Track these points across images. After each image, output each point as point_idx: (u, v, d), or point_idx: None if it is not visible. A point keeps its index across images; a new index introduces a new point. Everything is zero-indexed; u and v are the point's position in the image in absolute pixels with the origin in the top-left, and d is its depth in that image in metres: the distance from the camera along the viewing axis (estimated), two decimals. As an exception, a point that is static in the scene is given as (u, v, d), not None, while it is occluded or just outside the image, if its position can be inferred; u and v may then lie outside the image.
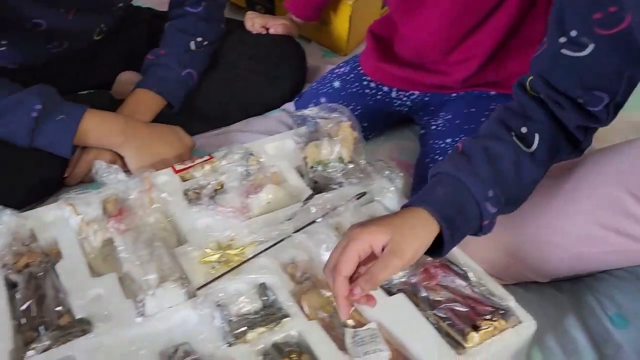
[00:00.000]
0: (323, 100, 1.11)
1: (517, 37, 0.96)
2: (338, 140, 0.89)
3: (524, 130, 0.69)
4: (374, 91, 1.10)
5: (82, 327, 0.66)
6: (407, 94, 1.09)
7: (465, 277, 0.71)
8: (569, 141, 0.71)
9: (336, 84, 1.12)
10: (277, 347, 0.65)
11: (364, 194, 0.84)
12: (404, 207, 0.66)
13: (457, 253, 0.74)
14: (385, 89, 1.10)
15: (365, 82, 1.11)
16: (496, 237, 0.75)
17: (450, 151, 0.74)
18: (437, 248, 0.64)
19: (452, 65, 1.01)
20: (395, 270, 0.61)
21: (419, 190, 0.68)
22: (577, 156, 0.76)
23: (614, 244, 0.75)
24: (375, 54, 1.09)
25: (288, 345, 0.65)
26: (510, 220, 0.75)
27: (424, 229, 0.62)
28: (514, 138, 0.68)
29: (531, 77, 0.71)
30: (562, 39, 0.66)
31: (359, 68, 1.12)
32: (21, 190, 0.96)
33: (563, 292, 0.87)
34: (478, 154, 0.67)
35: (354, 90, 1.10)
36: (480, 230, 0.67)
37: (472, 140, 0.70)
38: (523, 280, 0.84)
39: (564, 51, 0.66)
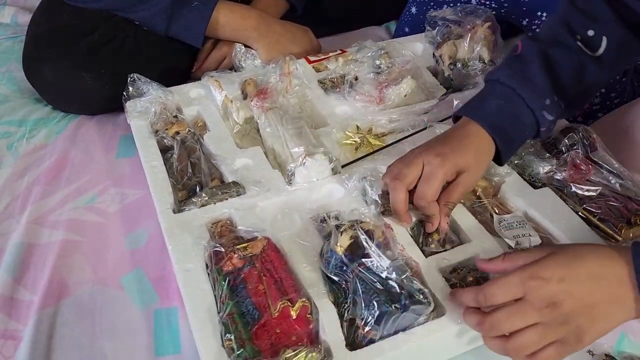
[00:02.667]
0: None
1: None
2: (479, 39, 0.87)
3: (590, 33, 0.65)
4: None
5: (237, 188, 0.69)
6: None
7: (617, 175, 0.69)
8: None
9: None
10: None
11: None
12: (456, 117, 0.67)
13: (608, 156, 0.72)
14: None
15: None
16: None
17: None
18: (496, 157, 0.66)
19: None
20: (469, 189, 0.66)
21: None
22: None
23: None
24: None
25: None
26: None
27: (485, 147, 0.64)
28: (579, 43, 0.65)
29: None
30: None
31: None
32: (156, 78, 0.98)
33: None
34: (536, 61, 0.65)
35: None
36: (538, 135, 0.67)
37: (533, 42, 0.67)
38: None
39: None
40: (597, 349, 0.58)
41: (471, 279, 0.60)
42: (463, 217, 0.66)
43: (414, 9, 1.06)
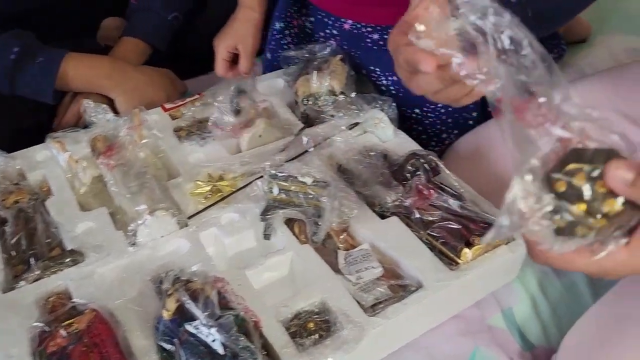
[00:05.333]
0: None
1: None
2: (328, 72, 0.87)
3: None
4: None
5: (74, 257, 0.66)
6: None
7: (458, 197, 0.70)
8: None
9: None
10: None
11: (356, 124, 0.83)
12: None
13: (450, 176, 0.74)
14: None
15: None
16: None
17: None
18: None
19: None
20: None
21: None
22: None
23: None
24: None
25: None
26: None
27: None
28: None
29: None
30: None
31: None
32: (8, 138, 0.94)
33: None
34: None
35: None
36: None
37: None
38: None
39: None
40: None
41: (312, 324, 0.59)
42: (305, 256, 0.65)
43: (268, 55, 1.07)
